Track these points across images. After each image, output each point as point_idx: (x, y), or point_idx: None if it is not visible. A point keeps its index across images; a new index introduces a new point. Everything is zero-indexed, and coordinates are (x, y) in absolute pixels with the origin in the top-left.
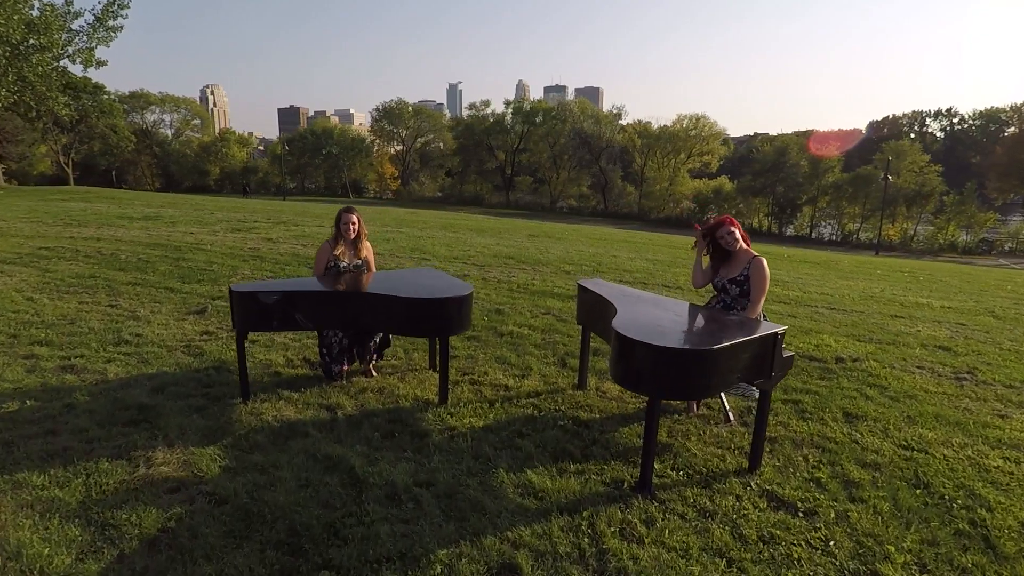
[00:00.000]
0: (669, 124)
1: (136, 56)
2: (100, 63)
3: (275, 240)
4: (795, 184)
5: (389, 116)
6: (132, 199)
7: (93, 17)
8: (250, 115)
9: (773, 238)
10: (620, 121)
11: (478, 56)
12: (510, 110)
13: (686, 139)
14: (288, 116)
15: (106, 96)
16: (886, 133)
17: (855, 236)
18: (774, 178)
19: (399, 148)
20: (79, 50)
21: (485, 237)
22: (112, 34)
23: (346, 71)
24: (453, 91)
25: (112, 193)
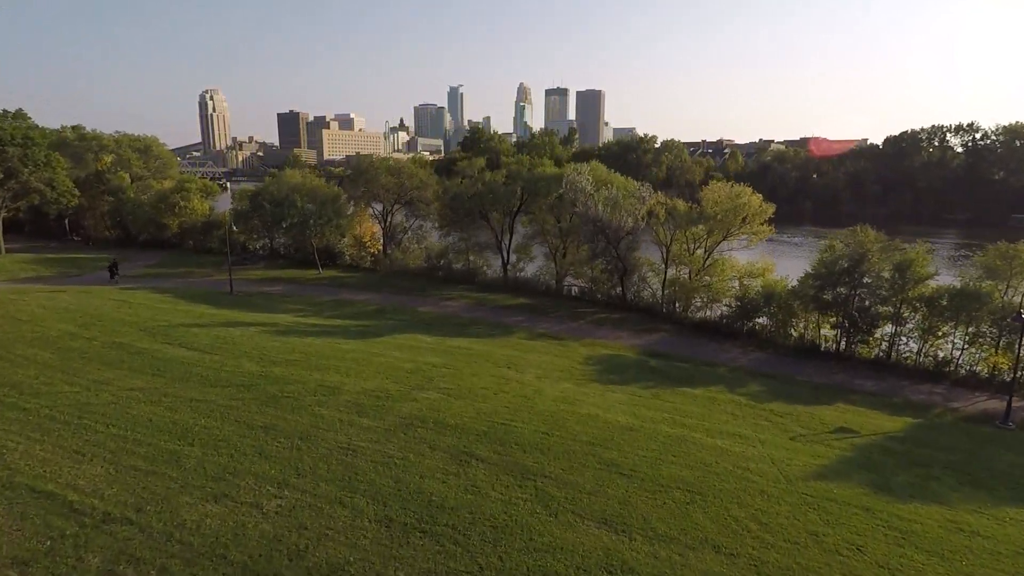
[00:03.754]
0: (699, 182)
1: (133, 57)
2: None
3: None
4: (875, 297)
5: (363, 174)
6: None
7: None
8: (251, 119)
9: (844, 363)
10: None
11: (479, 58)
12: (506, 170)
13: (723, 221)
14: (288, 120)
15: (37, 146)
16: (905, 148)
17: (953, 365)
18: (848, 290)
19: (378, 210)
20: None
21: None
22: None
23: (347, 74)
24: (454, 94)
25: None
